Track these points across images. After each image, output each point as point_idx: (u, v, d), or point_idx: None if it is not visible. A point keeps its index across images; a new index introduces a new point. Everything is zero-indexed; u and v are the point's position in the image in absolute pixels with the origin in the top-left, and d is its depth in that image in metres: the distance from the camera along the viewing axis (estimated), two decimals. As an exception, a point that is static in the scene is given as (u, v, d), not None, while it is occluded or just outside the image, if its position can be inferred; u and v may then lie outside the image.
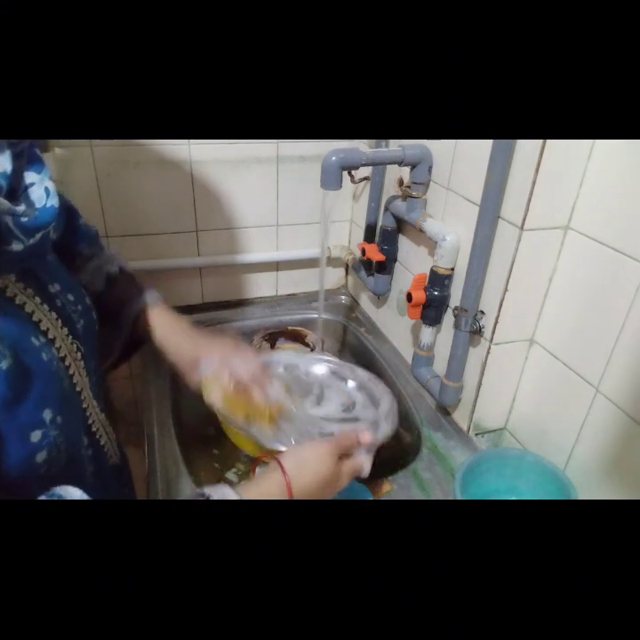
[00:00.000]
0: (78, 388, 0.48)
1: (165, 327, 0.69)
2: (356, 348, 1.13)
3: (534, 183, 0.62)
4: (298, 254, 1.18)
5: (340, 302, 1.24)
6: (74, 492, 0.39)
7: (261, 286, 1.21)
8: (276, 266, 1.19)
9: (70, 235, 0.64)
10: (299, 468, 0.51)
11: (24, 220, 0.38)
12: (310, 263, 1.19)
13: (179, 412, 0.89)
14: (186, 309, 1.14)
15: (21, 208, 0.38)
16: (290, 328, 1.11)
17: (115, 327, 0.67)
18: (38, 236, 0.39)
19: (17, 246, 0.37)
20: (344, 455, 0.55)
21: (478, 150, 0.70)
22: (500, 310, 0.71)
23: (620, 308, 0.60)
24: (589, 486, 0.67)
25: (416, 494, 0.73)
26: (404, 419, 0.91)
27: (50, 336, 0.44)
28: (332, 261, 1.23)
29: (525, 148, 0.63)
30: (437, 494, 0.73)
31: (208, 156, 1.02)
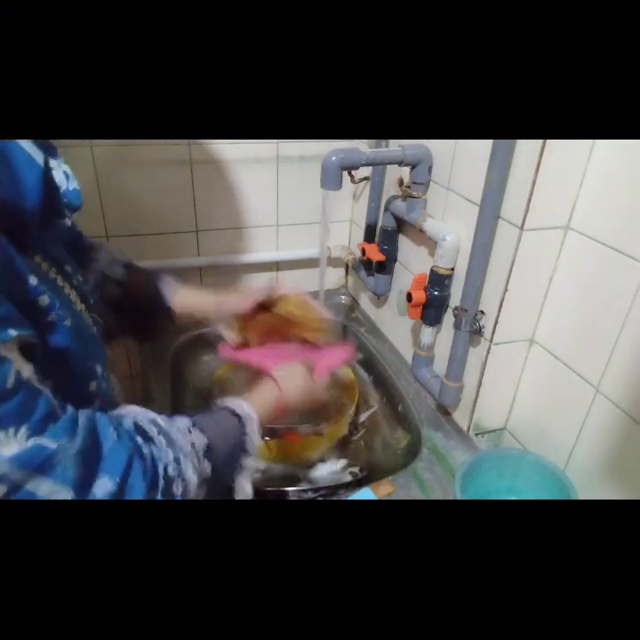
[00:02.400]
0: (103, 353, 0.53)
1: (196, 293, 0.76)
2: (357, 348, 1.13)
3: (534, 183, 0.62)
4: (298, 254, 1.18)
5: (340, 302, 1.24)
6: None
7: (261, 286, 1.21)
8: (276, 266, 1.19)
9: (74, 227, 0.67)
10: (286, 380, 0.64)
11: (65, 200, 0.43)
12: (310, 263, 1.19)
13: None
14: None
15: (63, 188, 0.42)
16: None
17: (157, 306, 0.72)
18: (74, 215, 0.44)
19: (68, 221, 0.42)
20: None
21: (478, 150, 0.70)
22: (499, 310, 0.71)
23: (620, 308, 0.60)
24: (589, 486, 0.67)
25: (416, 494, 0.73)
26: (404, 419, 0.91)
27: (78, 308, 0.48)
28: (332, 261, 1.23)
29: (525, 148, 0.63)
30: (437, 494, 0.73)
31: (208, 156, 1.02)
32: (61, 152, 0.98)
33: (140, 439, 0.42)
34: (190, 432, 0.48)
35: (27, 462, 0.34)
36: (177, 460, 0.44)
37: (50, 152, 0.45)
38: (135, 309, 0.71)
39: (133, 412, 0.47)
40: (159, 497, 0.42)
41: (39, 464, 0.35)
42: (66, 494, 0.36)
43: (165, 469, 0.43)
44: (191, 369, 1.02)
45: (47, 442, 0.35)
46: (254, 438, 0.56)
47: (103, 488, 0.38)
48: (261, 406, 0.59)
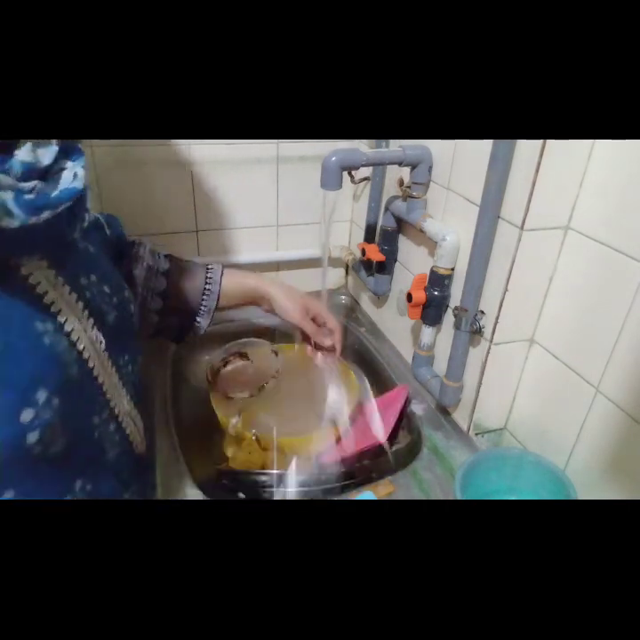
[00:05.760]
0: (97, 376, 0.48)
1: (243, 281, 0.81)
2: (357, 348, 1.13)
3: (534, 183, 0.62)
4: (298, 254, 1.18)
5: (340, 302, 1.24)
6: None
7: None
8: (276, 266, 1.19)
9: (116, 229, 0.69)
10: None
11: (29, 197, 0.37)
12: (310, 263, 1.19)
13: (179, 412, 0.89)
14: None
15: (29, 185, 0.38)
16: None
17: (204, 294, 0.75)
18: (45, 214, 0.38)
19: (11, 223, 0.36)
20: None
21: (478, 150, 0.70)
22: (500, 310, 0.71)
23: (620, 308, 0.60)
24: (589, 486, 0.67)
25: (416, 494, 0.73)
26: (404, 418, 0.91)
27: (65, 324, 0.44)
28: (333, 261, 1.23)
29: (525, 148, 0.63)
30: (437, 494, 0.73)
31: (208, 156, 1.02)
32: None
33: None
34: None
35: None
36: None
37: (73, 156, 0.42)
38: (179, 299, 0.73)
39: None
40: None
41: None
42: None
43: None
44: (191, 369, 1.01)
45: None
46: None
47: None
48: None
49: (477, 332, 0.75)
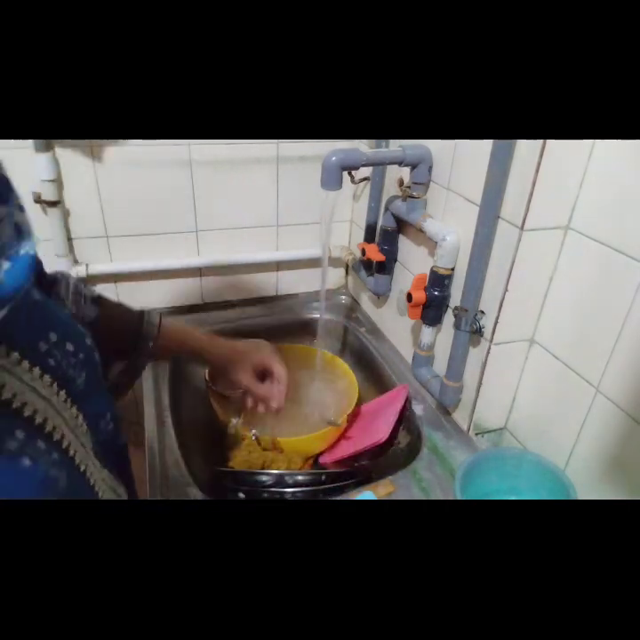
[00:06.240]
0: (73, 456, 0.38)
1: (190, 334, 0.77)
2: (357, 348, 1.13)
3: (534, 183, 0.62)
4: (298, 254, 1.18)
5: (340, 302, 1.24)
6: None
7: (261, 286, 1.21)
8: (276, 266, 1.19)
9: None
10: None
11: None
12: (310, 263, 1.19)
13: (179, 412, 0.89)
14: (186, 309, 1.14)
15: None
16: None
17: (135, 350, 0.66)
18: (4, 310, 0.27)
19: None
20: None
21: (478, 150, 0.70)
22: (500, 310, 0.71)
23: (620, 308, 0.60)
24: (589, 486, 0.67)
25: (416, 494, 0.73)
26: (404, 418, 0.91)
27: (38, 420, 0.34)
28: (333, 261, 1.23)
29: (525, 148, 0.63)
30: (437, 494, 0.73)
31: (208, 156, 1.02)
32: (61, 152, 0.98)
33: None
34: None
35: None
36: None
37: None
38: (113, 329, 0.64)
39: None
40: None
41: None
42: None
43: None
44: (191, 369, 1.02)
45: None
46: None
47: None
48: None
49: (477, 332, 0.75)
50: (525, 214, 0.64)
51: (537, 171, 0.61)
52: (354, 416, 0.93)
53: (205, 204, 1.07)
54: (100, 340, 0.48)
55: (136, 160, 0.98)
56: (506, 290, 0.69)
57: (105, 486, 0.43)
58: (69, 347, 0.40)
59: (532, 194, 0.63)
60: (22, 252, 0.28)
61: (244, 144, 1.03)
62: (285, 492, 0.77)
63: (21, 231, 0.28)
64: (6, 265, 0.26)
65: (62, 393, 0.38)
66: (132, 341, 0.67)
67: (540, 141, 0.60)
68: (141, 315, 0.69)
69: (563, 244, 0.67)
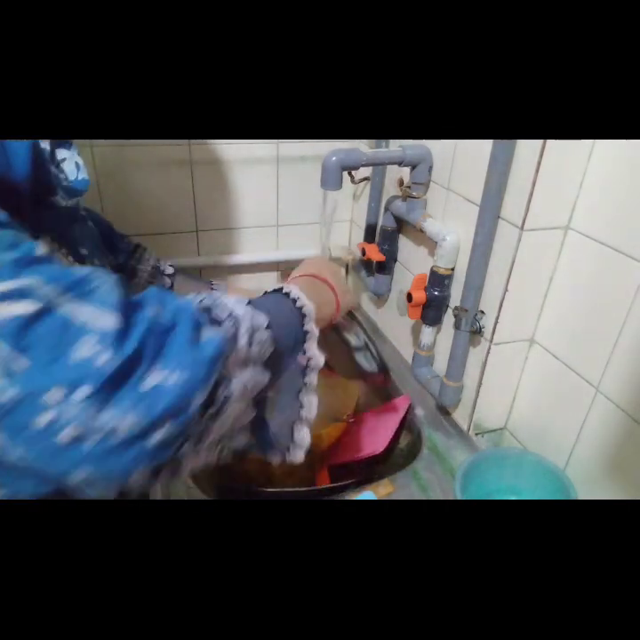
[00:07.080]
0: None
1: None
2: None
3: (534, 183, 0.62)
4: (298, 254, 1.18)
5: (340, 302, 1.24)
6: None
7: (261, 286, 1.20)
8: (276, 266, 1.19)
9: (97, 215, 0.73)
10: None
11: (65, 183, 0.45)
12: (310, 263, 1.19)
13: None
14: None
15: (63, 175, 0.45)
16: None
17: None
18: (74, 200, 0.46)
19: (62, 201, 0.43)
20: None
21: (478, 150, 0.70)
22: (500, 310, 0.71)
23: (620, 308, 0.60)
24: (589, 486, 0.67)
25: (416, 494, 0.73)
26: (404, 418, 0.91)
27: None
28: (333, 261, 1.23)
29: (525, 148, 0.63)
30: (437, 494, 0.73)
31: (208, 156, 1.02)
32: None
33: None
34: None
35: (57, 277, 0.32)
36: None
37: (64, 145, 0.47)
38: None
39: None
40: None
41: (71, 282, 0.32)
42: (108, 319, 0.32)
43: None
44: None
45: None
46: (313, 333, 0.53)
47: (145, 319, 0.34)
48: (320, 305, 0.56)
49: (477, 332, 0.75)
50: (525, 214, 0.64)
51: (537, 171, 0.61)
52: (354, 423, 0.92)
53: (205, 204, 1.07)
54: None
55: (136, 160, 0.98)
56: (506, 290, 0.69)
57: None
58: (96, 262, 0.52)
59: (532, 194, 0.63)
60: (80, 177, 0.47)
61: (244, 144, 1.03)
62: (284, 492, 0.77)
63: (79, 166, 0.47)
64: (72, 179, 0.46)
65: None
66: None
67: (540, 141, 0.60)
68: (209, 285, 0.81)
69: (563, 244, 0.67)
